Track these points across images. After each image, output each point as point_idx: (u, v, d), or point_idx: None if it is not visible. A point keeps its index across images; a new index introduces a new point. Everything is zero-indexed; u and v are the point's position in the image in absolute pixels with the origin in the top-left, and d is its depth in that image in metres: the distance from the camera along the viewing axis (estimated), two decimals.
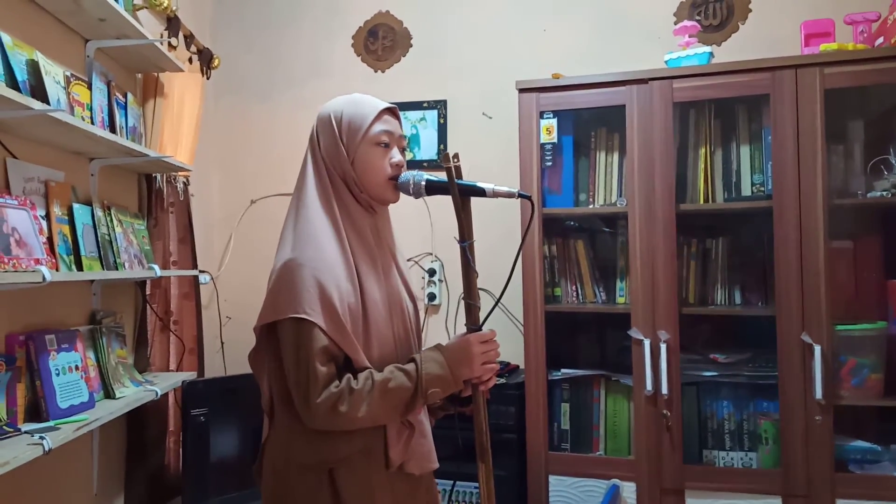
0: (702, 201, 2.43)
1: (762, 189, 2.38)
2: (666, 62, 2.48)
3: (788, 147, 2.24)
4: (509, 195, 1.41)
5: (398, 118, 1.49)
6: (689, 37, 2.48)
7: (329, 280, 1.31)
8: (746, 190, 2.41)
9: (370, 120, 1.42)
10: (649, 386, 2.30)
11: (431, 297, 3.04)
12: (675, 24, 2.73)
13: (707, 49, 2.44)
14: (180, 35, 2.69)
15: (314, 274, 1.30)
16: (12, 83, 1.72)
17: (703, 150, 2.44)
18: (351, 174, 1.41)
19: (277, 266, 1.35)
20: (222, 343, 3.12)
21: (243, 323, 3.10)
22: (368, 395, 1.28)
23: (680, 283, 2.41)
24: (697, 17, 2.78)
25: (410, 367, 1.34)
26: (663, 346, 2.29)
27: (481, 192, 1.41)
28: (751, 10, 2.75)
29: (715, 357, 2.41)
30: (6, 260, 1.57)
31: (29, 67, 1.82)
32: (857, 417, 2.31)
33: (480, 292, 1.49)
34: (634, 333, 2.35)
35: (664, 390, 2.29)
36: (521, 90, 2.53)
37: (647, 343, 2.31)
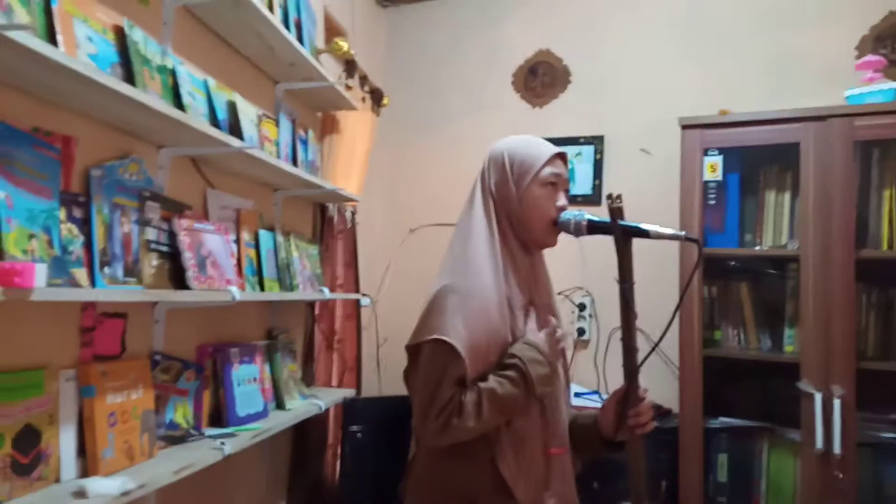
0: (885, 247, 2.25)
1: None
2: (846, 98, 2.34)
3: None
4: (675, 237, 1.38)
5: (566, 164, 1.51)
6: (874, 72, 2.33)
7: (477, 307, 1.35)
8: None
9: (542, 162, 1.45)
10: (820, 444, 2.14)
11: (581, 331, 3.01)
12: (857, 58, 2.56)
13: (894, 85, 2.27)
14: (356, 76, 2.90)
15: (464, 300, 1.34)
16: (214, 122, 1.93)
17: (889, 192, 2.26)
18: (516, 212, 1.44)
19: (432, 292, 1.39)
20: (378, 363, 3.27)
21: (398, 345, 3.20)
22: (477, 407, 1.30)
23: (858, 334, 2.23)
24: (882, 51, 2.59)
25: (515, 373, 1.34)
26: (837, 402, 2.13)
27: (645, 234, 1.37)
28: None
29: None
30: (203, 279, 1.75)
31: (228, 108, 2.04)
32: None
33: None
34: (804, 386, 2.20)
35: (836, 449, 2.12)
36: (685, 126, 2.48)
37: (818, 397, 2.16)
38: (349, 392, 2.58)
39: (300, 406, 2.24)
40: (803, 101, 2.49)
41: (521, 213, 1.44)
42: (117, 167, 1.58)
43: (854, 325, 2.18)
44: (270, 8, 2.18)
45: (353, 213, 2.93)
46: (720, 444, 2.43)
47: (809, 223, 2.26)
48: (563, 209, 1.46)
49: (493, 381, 1.33)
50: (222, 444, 1.72)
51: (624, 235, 1.39)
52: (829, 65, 2.69)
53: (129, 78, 1.56)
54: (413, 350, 1.42)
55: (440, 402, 1.30)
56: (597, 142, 3.12)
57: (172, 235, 1.71)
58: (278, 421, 2.03)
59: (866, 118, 2.21)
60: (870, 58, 2.36)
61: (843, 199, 2.21)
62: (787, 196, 2.43)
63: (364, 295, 3.02)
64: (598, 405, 2.46)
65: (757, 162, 2.51)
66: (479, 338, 1.33)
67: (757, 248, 2.47)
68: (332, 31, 2.96)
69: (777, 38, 2.81)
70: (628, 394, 1.41)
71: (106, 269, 1.48)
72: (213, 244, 1.87)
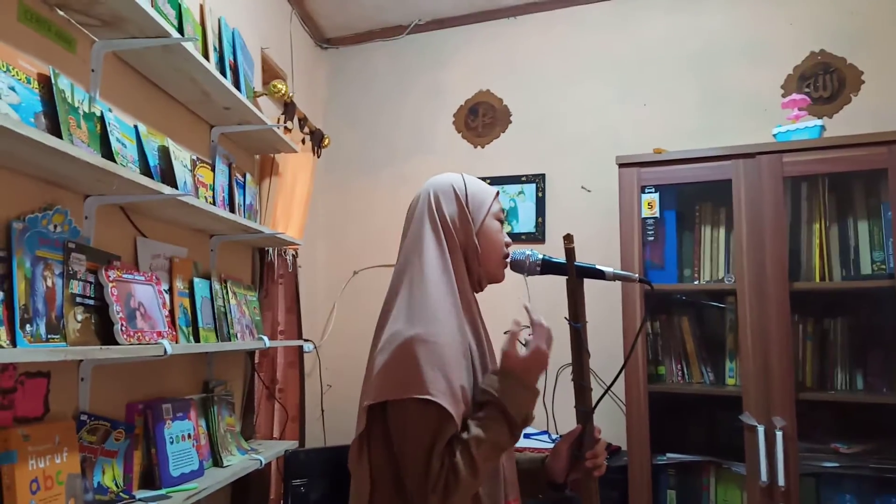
0: (817, 279, 2.31)
1: (883, 267, 2.24)
2: (774, 136, 2.42)
3: None
4: (629, 279, 1.39)
5: None
6: (799, 110, 2.42)
7: (452, 359, 1.25)
8: (866, 268, 2.28)
9: (493, 196, 1.45)
10: (764, 476, 2.16)
11: None
12: (783, 97, 2.67)
13: (818, 122, 2.36)
14: (295, 118, 2.87)
15: (440, 352, 1.23)
16: (145, 168, 1.87)
17: (818, 226, 2.33)
18: (474, 245, 1.38)
19: (398, 341, 1.25)
20: (323, 411, 3.18)
21: (342, 391, 3.17)
22: (469, 462, 1.20)
23: (796, 365, 2.28)
24: (806, 90, 2.71)
25: (493, 412, 1.26)
26: (779, 434, 2.16)
27: (600, 275, 1.37)
28: (864, 82, 2.66)
29: (836, 447, 2.24)
30: (132, 333, 1.67)
31: (160, 153, 1.98)
32: None
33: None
34: (747, 419, 2.22)
35: (781, 481, 2.14)
36: (622, 165, 2.52)
37: (761, 430, 2.18)
38: (291, 444, 2.50)
39: (239, 462, 2.15)
40: (734, 139, 2.58)
41: (480, 246, 1.39)
42: (40, 219, 1.51)
43: (791, 356, 2.22)
44: (205, 52, 2.15)
45: (295, 257, 2.88)
46: (668, 480, 2.43)
47: (744, 257, 2.31)
48: (510, 245, 1.46)
49: (474, 428, 1.23)
50: None
51: (578, 276, 1.38)
52: (756, 103, 2.79)
53: (55, 127, 1.51)
54: (376, 410, 1.27)
55: (434, 471, 1.18)
56: (538, 180, 3.16)
57: (99, 288, 1.64)
58: (215, 479, 1.94)
59: (794, 154, 2.29)
60: (794, 96, 2.46)
61: (774, 233, 2.27)
62: (721, 231, 2.49)
63: (307, 340, 2.94)
64: (549, 446, 2.44)
65: (692, 198, 2.57)
66: (457, 391, 1.24)
67: (695, 282, 2.51)
68: (271, 73, 2.94)
69: (708, 79, 2.92)
70: (584, 435, 1.38)
71: (27, 327, 1.41)
72: (143, 295, 1.79)
